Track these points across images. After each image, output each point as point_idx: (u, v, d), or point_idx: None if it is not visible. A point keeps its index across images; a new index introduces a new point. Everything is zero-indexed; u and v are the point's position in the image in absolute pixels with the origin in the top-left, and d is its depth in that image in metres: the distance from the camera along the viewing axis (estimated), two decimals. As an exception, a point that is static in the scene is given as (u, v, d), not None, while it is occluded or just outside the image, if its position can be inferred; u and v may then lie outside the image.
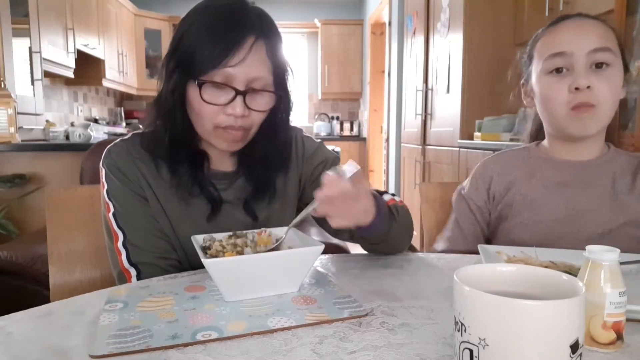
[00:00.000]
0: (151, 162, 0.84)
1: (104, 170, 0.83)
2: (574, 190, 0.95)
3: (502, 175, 1.02)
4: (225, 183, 0.88)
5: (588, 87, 0.87)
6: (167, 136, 0.81)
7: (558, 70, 0.91)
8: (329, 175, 0.64)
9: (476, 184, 1.06)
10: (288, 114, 0.88)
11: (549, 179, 0.97)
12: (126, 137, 0.87)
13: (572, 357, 0.36)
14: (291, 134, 0.93)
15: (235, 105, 0.76)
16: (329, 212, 0.65)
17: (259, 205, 0.89)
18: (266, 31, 0.78)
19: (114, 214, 0.81)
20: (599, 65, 0.88)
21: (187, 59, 0.75)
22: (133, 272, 0.79)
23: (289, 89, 0.85)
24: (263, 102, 0.80)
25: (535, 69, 0.96)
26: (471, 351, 0.38)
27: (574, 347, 0.36)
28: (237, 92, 0.76)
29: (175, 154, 0.82)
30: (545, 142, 1.03)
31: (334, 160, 0.96)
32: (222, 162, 0.89)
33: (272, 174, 0.90)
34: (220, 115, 0.77)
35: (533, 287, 0.44)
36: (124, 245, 0.80)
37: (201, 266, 0.79)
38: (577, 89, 0.87)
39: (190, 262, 0.85)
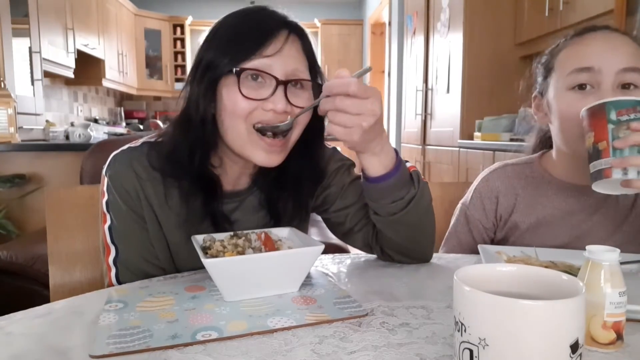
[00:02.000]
0: (158, 184, 0.77)
1: (106, 180, 0.78)
2: (579, 218, 0.90)
3: (506, 196, 0.97)
4: (236, 202, 0.82)
5: None
6: (192, 153, 0.74)
7: (581, 87, 0.82)
8: (338, 71, 0.62)
9: (482, 204, 0.99)
10: (322, 123, 0.79)
11: (554, 207, 0.92)
12: (134, 145, 0.80)
13: (572, 357, 0.36)
14: (327, 151, 0.87)
15: (277, 99, 0.69)
16: (331, 108, 0.62)
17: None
18: (298, 28, 0.75)
19: (109, 228, 0.78)
20: (625, 86, 0.80)
21: (221, 56, 0.71)
22: None
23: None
24: (306, 98, 0.74)
25: (555, 83, 0.88)
26: (471, 351, 0.38)
27: (574, 347, 0.36)
28: (278, 82, 0.69)
29: (191, 178, 0.75)
30: (552, 156, 0.95)
31: (349, 167, 0.90)
32: (238, 182, 0.83)
33: (305, 197, 0.83)
34: (258, 113, 0.70)
35: (533, 287, 0.44)
36: (114, 262, 0.77)
37: None
38: None
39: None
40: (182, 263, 0.81)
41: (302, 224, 0.87)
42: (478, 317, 0.38)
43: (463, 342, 0.39)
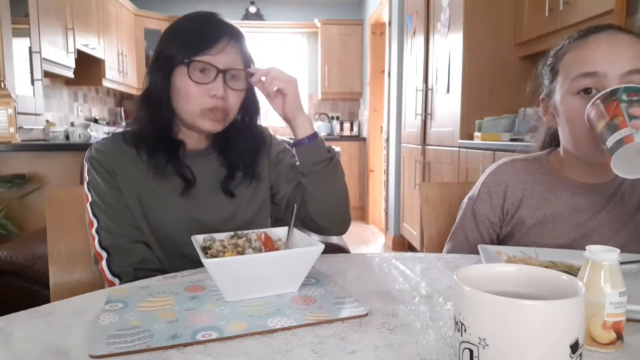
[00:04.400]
0: (132, 152, 0.93)
1: (86, 166, 0.92)
2: (585, 216, 0.91)
3: (514, 191, 0.97)
4: (199, 163, 0.97)
5: None
6: (152, 124, 0.93)
7: (586, 91, 0.83)
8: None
9: (489, 198, 0.99)
10: (257, 105, 1.04)
11: (561, 204, 0.92)
12: (108, 137, 0.98)
13: (572, 357, 0.36)
14: (264, 129, 1.09)
15: (217, 86, 0.90)
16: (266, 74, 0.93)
17: (235, 184, 0.99)
18: (237, 36, 0.95)
19: (90, 204, 0.90)
20: None
21: (177, 51, 0.90)
22: (104, 255, 0.87)
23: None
24: (239, 84, 0.94)
25: (560, 86, 0.88)
26: (471, 351, 0.38)
27: (574, 347, 0.36)
28: (219, 71, 0.90)
29: (154, 142, 0.93)
30: (559, 155, 0.96)
31: (295, 163, 1.06)
32: (197, 145, 1.00)
33: (247, 154, 1.02)
34: (205, 98, 0.90)
35: (533, 287, 0.44)
36: (96, 231, 0.88)
37: (173, 251, 0.89)
38: None
39: (160, 244, 0.91)
40: (153, 216, 0.91)
41: (260, 187, 1.03)
42: (478, 317, 0.38)
43: (463, 342, 0.39)
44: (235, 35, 0.94)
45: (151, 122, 0.93)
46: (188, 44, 0.90)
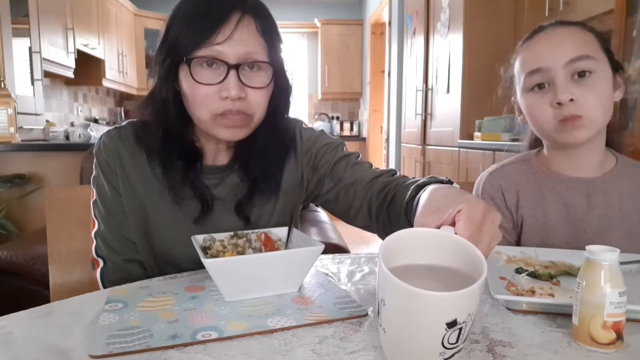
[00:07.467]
0: (142, 155, 0.81)
1: (95, 158, 0.84)
2: (584, 212, 0.92)
3: (510, 193, 0.98)
4: (217, 178, 0.84)
5: (571, 99, 0.84)
6: (160, 130, 0.78)
7: (540, 86, 0.89)
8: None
9: (493, 203, 0.97)
10: (288, 99, 0.84)
11: (558, 201, 0.93)
12: (122, 124, 0.85)
13: (447, 331, 0.41)
14: (292, 123, 0.90)
15: (230, 86, 0.72)
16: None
17: (252, 205, 0.85)
18: (253, 7, 0.75)
19: (93, 202, 0.84)
20: (581, 74, 0.85)
21: (176, 42, 0.73)
22: (100, 263, 0.82)
23: (287, 69, 0.81)
24: (260, 79, 0.75)
25: (518, 86, 0.95)
26: (379, 304, 0.45)
27: (451, 324, 0.41)
28: (229, 67, 0.71)
29: (168, 151, 0.79)
30: (545, 152, 0.99)
31: (337, 146, 0.91)
32: (217, 157, 0.86)
33: (273, 166, 0.85)
34: (216, 100, 0.73)
35: (448, 259, 0.48)
36: (95, 236, 0.83)
37: (172, 272, 0.81)
38: (559, 103, 0.85)
39: (157, 262, 0.84)
40: (159, 234, 0.82)
41: (280, 206, 0.87)
42: (380, 282, 0.44)
43: (378, 296, 0.46)
44: (250, 9, 0.73)
45: (160, 125, 0.79)
46: (187, 32, 0.72)
